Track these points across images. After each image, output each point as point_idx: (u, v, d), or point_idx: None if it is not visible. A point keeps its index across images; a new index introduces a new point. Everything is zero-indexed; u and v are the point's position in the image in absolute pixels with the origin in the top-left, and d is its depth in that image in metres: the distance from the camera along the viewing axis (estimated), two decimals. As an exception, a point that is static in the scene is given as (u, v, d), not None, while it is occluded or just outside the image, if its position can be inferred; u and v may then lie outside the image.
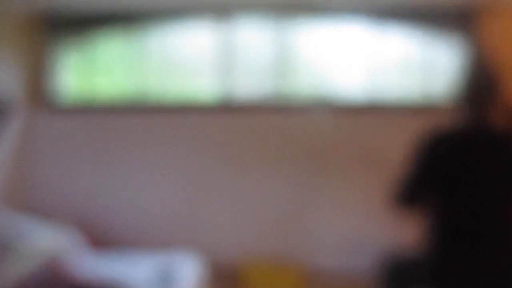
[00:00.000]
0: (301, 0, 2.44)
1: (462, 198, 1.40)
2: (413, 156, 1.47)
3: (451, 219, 1.41)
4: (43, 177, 1.80)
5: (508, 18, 2.41)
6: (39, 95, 2.59)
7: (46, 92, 2.62)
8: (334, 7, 2.49)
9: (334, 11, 2.50)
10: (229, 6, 2.51)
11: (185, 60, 2.88)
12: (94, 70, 2.85)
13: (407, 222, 1.62)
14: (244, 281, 2.33)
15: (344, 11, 2.50)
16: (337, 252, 2.41)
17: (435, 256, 1.42)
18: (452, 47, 2.56)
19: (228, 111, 2.49)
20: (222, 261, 2.41)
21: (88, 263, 1.81)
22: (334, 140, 2.43)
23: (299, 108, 2.48)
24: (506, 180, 1.40)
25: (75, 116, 2.52)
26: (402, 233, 1.96)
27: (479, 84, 1.47)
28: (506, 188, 1.40)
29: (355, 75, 2.68)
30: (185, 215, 2.45)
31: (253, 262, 2.38)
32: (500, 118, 1.43)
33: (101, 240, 2.23)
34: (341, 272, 2.41)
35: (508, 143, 1.43)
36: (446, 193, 1.41)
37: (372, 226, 2.40)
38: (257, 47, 2.79)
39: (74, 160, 2.51)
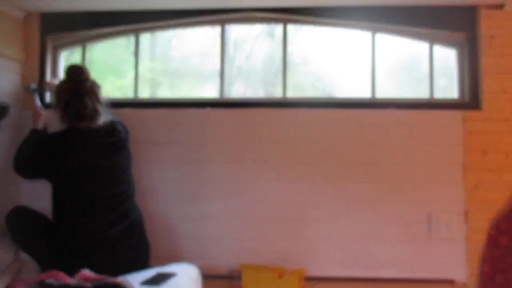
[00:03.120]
0: (301, 0, 2.44)
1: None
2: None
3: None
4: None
5: (509, 17, 2.40)
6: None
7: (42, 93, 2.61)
8: (334, 7, 2.49)
9: (334, 11, 2.50)
10: (228, 6, 2.51)
11: (184, 60, 2.88)
12: (90, 71, 2.84)
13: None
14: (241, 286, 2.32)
15: (344, 11, 2.49)
16: (336, 258, 2.40)
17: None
18: (453, 47, 2.56)
19: (226, 111, 2.48)
20: (219, 266, 2.40)
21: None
22: (334, 140, 2.42)
23: (299, 108, 2.47)
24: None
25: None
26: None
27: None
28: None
29: (355, 75, 2.68)
30: (180, 217, 2.44)
31: (250, 267, 2.37)
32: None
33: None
34: (339, 279, 2.40)
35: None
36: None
37: (373, 227, 2.40)
38: (257, 47, 2.80)
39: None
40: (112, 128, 2.14)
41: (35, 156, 2.04)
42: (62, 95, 2.09)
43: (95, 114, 2.09)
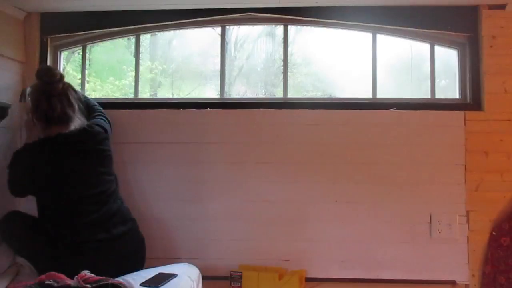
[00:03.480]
0: (301, 0, 2.43)
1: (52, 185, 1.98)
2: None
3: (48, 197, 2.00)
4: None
5: (510, 17, 2.39)
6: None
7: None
8: (334, 7, 2.48)
9: (335, 11, 2.49)
10: (229, 6, 2.50)
11: (184, 60, 2.88)
12: (91, 71, 2.85)
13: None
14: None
15: (345, 11, 2.49)
16: (336, 259, 2.39)
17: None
18: (454, 47, 2.55)
19: (226, 111, 2.47)
20: (219, 267, 2.39)
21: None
22: (334, 140, 2.41)
23: (299, 108, 2.47)
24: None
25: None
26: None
27: None
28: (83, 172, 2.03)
29: (356, 75, 2.67)
30: (181, 218, 2.43)
31: (250, 268, 2.36)
32: None
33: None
34: (339, 280, 2.39)
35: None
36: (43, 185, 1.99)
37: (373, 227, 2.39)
38: (257, 47, 2.79)
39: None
40: (84, 133, 2.07)
41: (14, 173, 2.04)
42: (32, 96, 2.06)
43: (64, 117, 2.04)
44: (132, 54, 2.71)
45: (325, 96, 2.77)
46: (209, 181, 2.44)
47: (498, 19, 2.39)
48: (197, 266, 2.10)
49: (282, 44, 2.61)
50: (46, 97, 2.02)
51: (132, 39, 2.71)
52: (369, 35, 2.57)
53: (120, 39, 2.78)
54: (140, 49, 2.68)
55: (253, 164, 2.42)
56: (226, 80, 2.64)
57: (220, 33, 2.65)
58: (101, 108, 2.32)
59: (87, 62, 2.71)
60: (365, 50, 2.57)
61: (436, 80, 2.56)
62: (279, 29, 2.65)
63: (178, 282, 1.82)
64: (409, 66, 2.77)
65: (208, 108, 2.51)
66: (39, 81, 2.06)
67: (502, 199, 2.35)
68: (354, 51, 2.66)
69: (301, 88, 2.80)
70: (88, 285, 1.48)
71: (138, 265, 2.05)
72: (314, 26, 2.62)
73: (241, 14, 2.55)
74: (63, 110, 2.04)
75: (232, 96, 2.69)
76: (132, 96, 2.66)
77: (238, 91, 2.79)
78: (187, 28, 2.68)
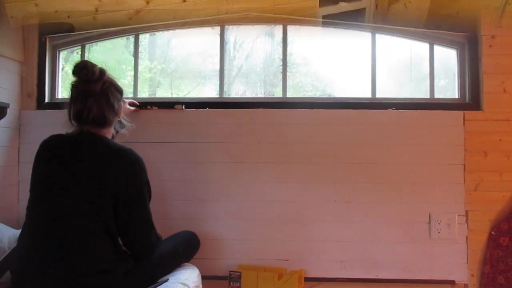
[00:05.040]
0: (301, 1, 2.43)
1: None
2: None
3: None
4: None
5: (509, 17, 2.39)
6: (33, 96, 2.57)
7: (41, 93, 2.60)
8: (334, 8, 2.48)
9: (334, 10, 2.49)
10: (228, 6, 2.50)
11: (184, 60, 2.88)
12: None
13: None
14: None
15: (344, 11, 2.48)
16: (336, 259, 2.39)
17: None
18: (453, 47, 2.55)
19: (226, 111, 2.47)
20: (219, 266, 2.39)
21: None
22: (334, 140, 2.41)
23: (299, 108, 2.46)
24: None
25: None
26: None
27: None
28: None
29: (355, 75, 2.67)
30: (180, 217, 2.43)
31: (249, 267, 2.36)
32: None
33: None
34: (339, 280, 2.39)
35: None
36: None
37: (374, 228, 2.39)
38: (257, 47, 2.79)
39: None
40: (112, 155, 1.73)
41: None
42: (70, 93, 1.80)
43: (102, 120, 1.78)
44: (131, 54, 2.71)
45: (324, 96, 2.77)
46: (208, 181, 2.43)
47: (497, 19, 2.39)
48: (196, 266, 2.10)
49: (281, 44, 2.61)
50: (83, 96, 1.76)
51: (131, 38, 2.70)
52: (368, 35, 2.57)
53: (119, 39, 2.78)
54: (139, 49, 2.68)
55: (252, 164, 2.42)
56: (225, 80, 2.64)
57: (219, 32, 2.65)
58: None
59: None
60: (364, 50, 2.57)
61: (435, 80, 2.56)
62: (278, 29, 2.64)
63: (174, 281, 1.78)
64: (408, 65, 2.77)
65: (207, 108, 2.51)
66: (77, 78, 1.79)
67: (501, 199, 2.35)
68: (353, 50, 2.66)
69: (300, 87, 2.80)
70: None
71: None
72: (313, 25, 2.62)
73: (240, 14, 2.54)
74: (101, 112, 1.78)
75: (231, 96, 2.68)
76: (131, 95, 2.66)
77: (237, 90, 2.79)
78: (186, 27, 2.68)
